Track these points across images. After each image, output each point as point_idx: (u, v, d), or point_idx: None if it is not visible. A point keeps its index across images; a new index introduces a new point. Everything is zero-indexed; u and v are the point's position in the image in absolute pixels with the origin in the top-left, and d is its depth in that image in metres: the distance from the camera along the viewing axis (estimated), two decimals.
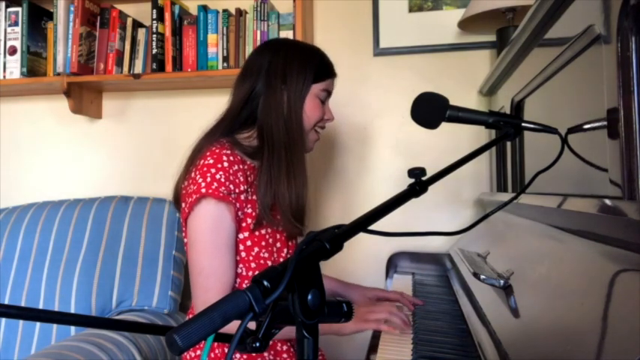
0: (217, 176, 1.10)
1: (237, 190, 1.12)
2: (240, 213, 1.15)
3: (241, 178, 1.14)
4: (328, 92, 1.27)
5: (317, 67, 1.23)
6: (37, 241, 1.81)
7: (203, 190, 1.09)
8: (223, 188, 1.10)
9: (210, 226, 1.11)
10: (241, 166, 1.15)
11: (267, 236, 1.20)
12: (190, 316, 1.25)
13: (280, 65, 1.20)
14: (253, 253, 1.18)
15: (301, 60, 1.22)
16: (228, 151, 1.14)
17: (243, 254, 1.18)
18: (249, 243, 1.17)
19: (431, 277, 1.68)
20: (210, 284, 1.10)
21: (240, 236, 1.17)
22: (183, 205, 1.15)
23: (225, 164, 1.12)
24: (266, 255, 1.19)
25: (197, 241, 1.11)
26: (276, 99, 1.19)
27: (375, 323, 1.09)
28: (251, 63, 1.24)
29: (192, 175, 1.13)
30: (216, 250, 1.11)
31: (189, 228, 1.13)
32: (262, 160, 1.18)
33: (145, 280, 1.70)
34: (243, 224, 1.16)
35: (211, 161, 1.12)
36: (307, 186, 1.21)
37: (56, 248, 1.78)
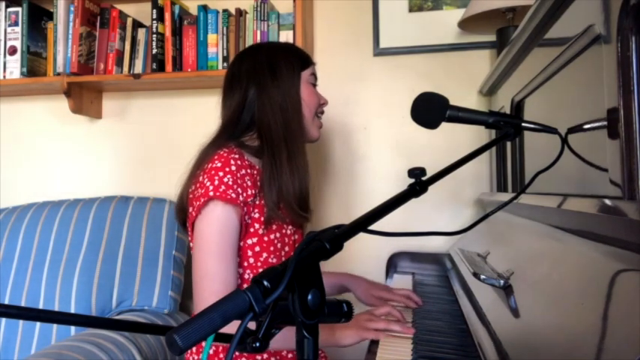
0: (225, 179, 1.10)
1: (244, 194, 1.12)
2: (247, 217, 1.14)
3: (249, 183, 1.14)
4: (315, 76, 1.30)
5: (299, 56, 1.27)
6: (37, 241, 1.81)
7: (211, 193, 1.09)
8: (231, 191, 1.10)
9: (217, 229, 1.10)
10: (249, 171, 1.15)
11: (276, 241, 1.20)
12: None
13: (265, 63, 1.22)
14: (262, 259, 1.17)
15: (283, 53, 1.25)
16: (237, 156, 1.14)
17: (251, 260, 1.17)
18: (257, 249, 1.17)
19: (431, 277, 1.68)
20: (215, 287, 1.09)
21: (249, 242, 1.16)
22: (190, 209, 1.14)
23: (233, 168, 1.12)
24: (274, 260, 1.19)
25: (203, 243, 1.11)
26: (270, 95, 1.20)
27: (374, 333, 1.08)
28: (235, 72, 1.25)
29: (200, 179, 1.13)
30: (221, 254, 1.10)
31: (196, 231, 1.12)
32: (264, 158, 1.18)
33: (145, 280, 1.70)
34: (251, 229, 1.16)
35: (219, 164, 1.11)
36: (309, 172, 1.22)
37: (56, 248, 1.78)
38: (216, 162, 1.12)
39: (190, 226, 1.15)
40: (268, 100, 1.20)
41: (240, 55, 1.30)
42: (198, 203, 1.11)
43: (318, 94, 1.30)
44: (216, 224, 1.10)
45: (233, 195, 1.10)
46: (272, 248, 1.19)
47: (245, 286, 1.16)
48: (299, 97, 1.23)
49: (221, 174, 1.10)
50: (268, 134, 1.19)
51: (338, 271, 1.50)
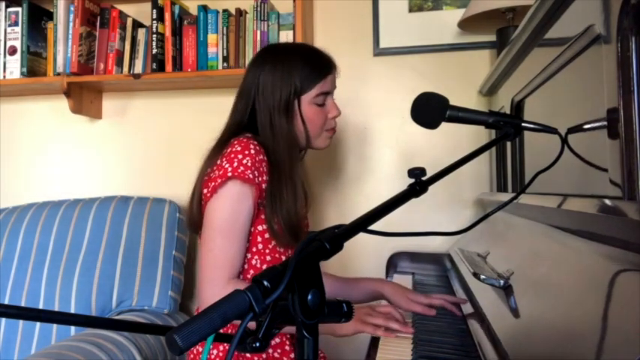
0: (244, 161, 1.12)
1: (260, 179, 1.14)
2: (260, 202, 1.16)
3: (265, 169, 1.16)
4: (325, 93, 1.26)
5: (301, 79, 1.21)
6: (37, 241, 1.81)
7: (229, 174, 1.11)
8: (249, 172, 1.12)
9: (231, 207, 1.12)
10: (266, 158, 1.17)
11: None
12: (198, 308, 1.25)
13: (268, 86, 1.21)
14: (270, 246, 1.20)
15: (283, 77, 1.21)
16: (256, 142, 1.17)
17: (260, 246, 1.19)
18: (267, 235, 1.19)
19: (431, 277, 1.68)
20: (218, 264, 1.10)
21: (259, 228, 1.18)
22: (205, 190, 1.16)
23: (252, 152, 1.14)
24: (281, 250, 1.21)
25: (214, 220, 1.13)
26: (263, 121, 1.21)
27: (372, 328, 1.08)
28: (246, 80, 1.26)
29: (219, 162, 1.15)
30: (230, 232, 1.12)
31: (209, 209, 1.14)
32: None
33: (145, 280, 1.70)
34: (262, 216, 1.18)
35: (239, 148, 1.14)
36: (300, 201, 1.20)
37: (56, 248, 1.78)
38: (236, 146, 1.14)
39: (204, 207, 1.16)
40: (263, 125, 1.22)
41: (254, 61, 1.28)
42: (214, 184, 1.12)
43: (328, 108, 1.27)
44: (230, 203, 1.12)
45: (250, 176, 1.12)
46: None
47: (252, 271, 1.18)
48: (291, 125, 1.22)
49: (240, 157, 1.13)
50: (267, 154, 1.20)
51: (341, 272, 1.49)
